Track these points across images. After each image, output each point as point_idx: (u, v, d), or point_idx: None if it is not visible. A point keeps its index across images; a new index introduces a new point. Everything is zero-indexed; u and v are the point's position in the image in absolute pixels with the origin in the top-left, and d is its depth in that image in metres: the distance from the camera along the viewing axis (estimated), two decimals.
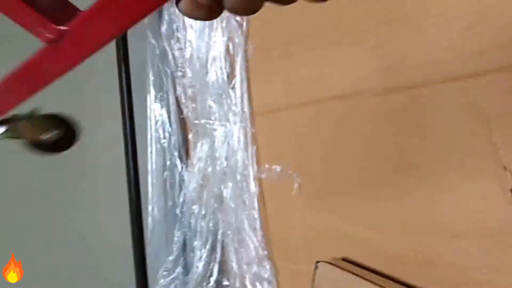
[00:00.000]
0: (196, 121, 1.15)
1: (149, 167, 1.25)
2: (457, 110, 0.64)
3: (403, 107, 0.71)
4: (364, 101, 0.77)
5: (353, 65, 0.79)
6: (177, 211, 1.23)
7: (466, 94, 0.63)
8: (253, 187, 1.01)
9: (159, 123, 1.25)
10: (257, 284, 0.97)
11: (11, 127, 0.49)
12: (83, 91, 1.19)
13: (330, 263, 0.78)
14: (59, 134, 0.54)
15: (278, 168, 0.96)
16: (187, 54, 1.15)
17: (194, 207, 1.17)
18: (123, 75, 1.13)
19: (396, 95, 0.72)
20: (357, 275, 0.74)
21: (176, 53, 1.23)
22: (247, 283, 1.00)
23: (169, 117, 1.25)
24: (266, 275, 0.96)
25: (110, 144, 1.20)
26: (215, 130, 1.10)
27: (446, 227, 0.66)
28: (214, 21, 1.08)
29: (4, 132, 0.49)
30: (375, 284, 0.71)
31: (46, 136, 0.53)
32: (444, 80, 0.65)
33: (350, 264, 0.79)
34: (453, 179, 0.65)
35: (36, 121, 0.54)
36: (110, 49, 1.16)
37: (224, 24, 1.06)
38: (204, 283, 1.10)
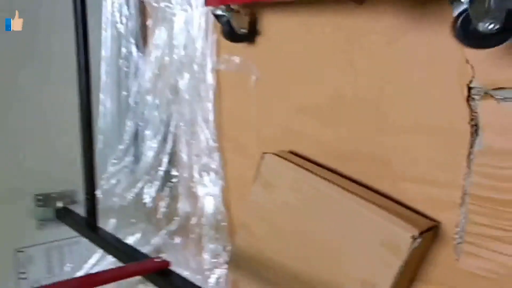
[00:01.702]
0: (156, 4, 1.05)
1: (103, 53, 1.15)
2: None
3: None
4: None
5: None
6: (130, 100, 1.17)
7: None
8: (210, 78, 0.95)
9: (116, 5, 1.14)
10: (204, 174, 0.96)
11: None
12: None
13: (276, 155, 0.76)
14: None
15: (237, 59, 0.90)
16: None
17: (148, 97, 1.11)
18: None
19: None
20: (302, 167, 0.73)
21: None
22: (195, 173, 0.98)
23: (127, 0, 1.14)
24: (214, 166, 0.94)
25: (59, 25, 1.09)
26: (174, 15, 1.01)
27: (398, 123, 0.64)
28: None
29: None
30: (319, 176, 0.70)
31: None
32: None
33: (297, 157, 0.78)
34: (415, 72, 0.62)
35: None
36: None
37: None
38: (153, 172, 1.07)
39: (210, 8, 0.84)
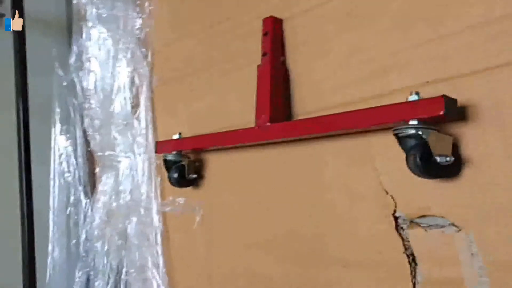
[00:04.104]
0: (100, 153, 1.04)
1: (51, 203, 1.11)
2: (342, 136, 0.61)
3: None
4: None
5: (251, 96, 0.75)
6: (81, 249, 1.09)
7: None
8: (156, 221, 0.92)
9: (64, 156, 1.13)
10: None
11: None
12: None
13: None
14: None
15: (181, 200, 0.88)
16: (91, 84, 1.06)
17: (97, 244, 1.05)
18: (21, 106, 1.01)
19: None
20: None
21: (85, 84, 1.13)
22: None
23: (74, 150, 1.13)
24: None
25: (3, 177, 1.06)
26: (119, 162, 1.00)
27: (338, 258, 0.61)
28: (119, 51, 1.00)
29: None
30: None
31: None
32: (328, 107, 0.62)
33: None
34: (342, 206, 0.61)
35: None
36: (7, 82, 1.04)
37: (129, 55, 0.99)
38: None
39: (162, 154, 0.84)
